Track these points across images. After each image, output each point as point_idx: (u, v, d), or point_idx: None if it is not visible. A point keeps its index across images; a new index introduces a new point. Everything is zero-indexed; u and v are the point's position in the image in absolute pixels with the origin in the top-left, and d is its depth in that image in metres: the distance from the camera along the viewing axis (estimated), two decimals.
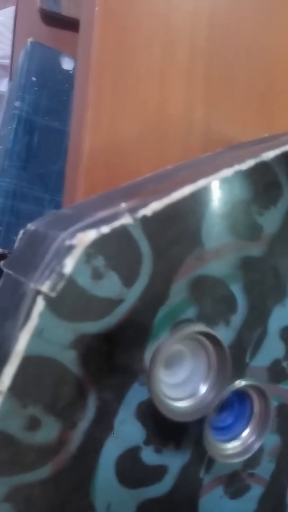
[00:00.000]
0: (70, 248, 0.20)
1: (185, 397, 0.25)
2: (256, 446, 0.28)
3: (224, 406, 0.29)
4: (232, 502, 0.30)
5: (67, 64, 0.53)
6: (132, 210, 0.17)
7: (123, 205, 0.19)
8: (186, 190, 0.19)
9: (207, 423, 0.26)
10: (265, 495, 0.31)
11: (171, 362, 0.26)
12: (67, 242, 0.20)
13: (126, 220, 0.17)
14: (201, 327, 0.24)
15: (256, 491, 0.31)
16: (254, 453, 0.30)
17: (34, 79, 0.51)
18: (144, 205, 0.18)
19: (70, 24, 0.58)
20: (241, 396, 0.29)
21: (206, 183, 0.19)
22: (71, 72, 0.57)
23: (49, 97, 0.52)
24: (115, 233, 0.18)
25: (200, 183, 0.19)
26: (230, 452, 0.28)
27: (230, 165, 0.20)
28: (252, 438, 0.28)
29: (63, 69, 0.53)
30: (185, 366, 0.26)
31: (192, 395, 0.25)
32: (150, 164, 0.34)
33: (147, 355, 0.25)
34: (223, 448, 0.28)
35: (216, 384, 0.25)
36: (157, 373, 0.23)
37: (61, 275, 0.21)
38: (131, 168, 0.33)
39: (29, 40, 0.54)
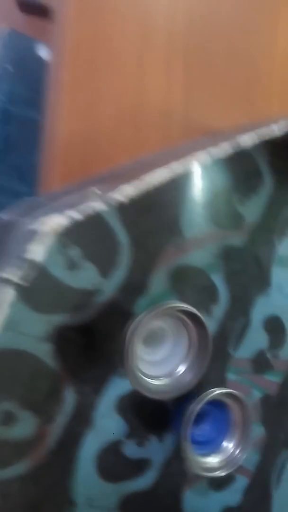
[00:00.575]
0: (33, 233, 0.19)
1: (163, 376, 0.25)
2: (242, 458, 0.27)
3: (202, 418, 0.28)
4: (217, 494, 0.30)
5: (44, 53, 0.52)
6: (101, 195, 0.17)
7: (92, 189, 0.18)
8: (157, 174, 0.18)
9: (187, 438, 0.25)
10: (250, 486, 0.31)
11: (152, 340, 0.25)
12: (30, 227, 0.19)
13: (93, 203, 0.17)
14: (179, 304, 0.24)
15: (241, 482, 0.31)
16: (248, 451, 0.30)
17: (10, 68, 0.50)
18: (113, 188, 0.17)
19: (48, 12, 0.57)
20: (219, 406, 0.28)
21: (179, 166, 0.18)
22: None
23: (26, 86, 0.51)
24: (87, 220, 0.17)
25: (173, 166, 0.18)
26: (212, 465, 0.27)
27: (204, 148, 0.19)
28: (237, 450, 0.27)
29: (40, 58, 0.52)
30: (165, 345, 0.25)
31: (170, 373, 0.25)
32: (128, 152, 0.33)
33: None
34: (204, 462, 0.27)
35: (195, 363, 0.25)
36: (134, 348, 0.22)
37: (31, 263, 0.21)
38: (109, 156, 0.33)
39: (5, 28, 0.53)
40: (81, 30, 0.33)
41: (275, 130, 0.21)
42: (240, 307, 0.29)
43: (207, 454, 0.28)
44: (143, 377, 0.24)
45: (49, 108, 0.34)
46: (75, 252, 0.23)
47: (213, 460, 0.28)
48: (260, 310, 0.30)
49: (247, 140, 0.20)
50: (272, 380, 0.31)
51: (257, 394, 0.31)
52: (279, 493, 0.32)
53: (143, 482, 0.27)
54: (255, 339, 0.30)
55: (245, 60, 0.38)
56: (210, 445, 0.28)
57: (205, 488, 0.29)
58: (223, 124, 0.35)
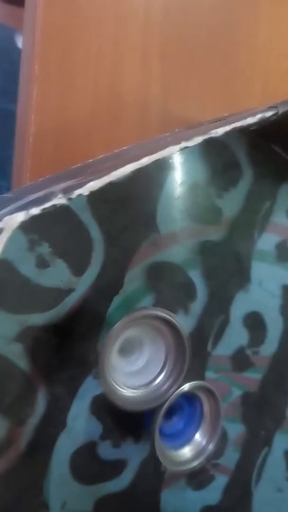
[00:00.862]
0: None
1: (141, 386, 0.24)
2: (210, 448, 0.27)
3: (173, 411, 0.28)
4: (195, 493, 0.30)
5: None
6: (66, 191, 0.16)
7: (59, 186, 0.17)
8: (127, 168, 0.17)
9: (157, 432, 0.25)
10: (229, 485, 0.31)
11: (129, 350, 0.25)
12: None
13: (58, 200, 0.16)
14: (155, 311, 0.23)
15: (220, 481, 0.30)
16: (218, 443, 0.30)
17: None
18: (80, 185, 0.16)
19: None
20: (190, 398, 0.28)
21: (149, 161, 0.17)
22: None
23: (4, 77, 0.49)
24: (54, 216, 0.16)
25: (143, 161, 0.18)
26: (183, 458, 0.27)
27: (176, 142, 0.19)
28: (205, 440, 0.27)
29: (19, 48, 0.50)
30: (143, 354, 0.25)
31: (148, 383, 0.24)
32: (104, 145, 0.32)
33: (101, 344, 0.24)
34: (176, 455, 0.27)
35: (173, 372, 0.24)
36: (108, 359, 0.22)
37: None
38: (83, 150, 0.32)
39: None
40: (53, 17, 0.32)
41: (249, 121, 0.20)
42: (219, 304, 0.29)
43: (179, 447, 0.28)
44: (121, 390, 0.23)
45: (20, 99, 0.32)
46: (44, 249, 0.22)
47: (183, 452, 0.27)
48: (240, 306, 0.30)
49: (219, 131, 0.19)
50: (252, 377, 0.31)
51: (236, 392, 0.30)
52: (260, 490, 0.32)
53: (119, 483, 0.27)
54: (235, 336, 0.30)
55: (225, 50, 0.37)
56: (181, 437, 0.28)
57: (183, 488, 0.29)
58: (202, 116, 0.34)
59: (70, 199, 0.16)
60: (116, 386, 0.23)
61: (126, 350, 0.25)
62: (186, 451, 0.27)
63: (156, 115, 0.34)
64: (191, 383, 0.26)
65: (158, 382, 0.24)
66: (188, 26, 0.36)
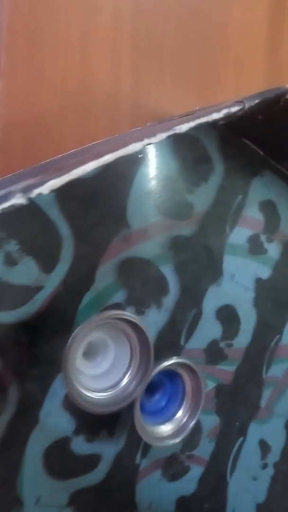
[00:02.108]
0: None
1: (108, 388, 0.24)
2: (190, 425, 0.27)
3: (155, 388, 0.28)
4: (170, 484, 0.30)
5: None
6: (26, 189, 0.16)
7: (20, 184, 0.17)
8: (89, 166, 0.17)
9: (137, 408, 0.25)
10: (205, 475, 0.31)
11: (94, 353, 0.25)
12: None
13: (17, 200, 0.16)
14: (118, 312, 0.23)
15: (195, 471, 0.31)
16: (192, 435, 0.30)
17: None
18: (40, 183, 0.16)
19: None
20: (172, 376, 0.28)
21: (111, 158, 0.17)
22: None
23: None
24: (20, 214, 0.16)
25: (105, 158, 0.17)
26: (164, 434, 0.28)
27: (139, 139, 0.18)
28: (186, 418, 0.28)
29: None
30: (107, 356, 0.25)
31: (115, 385, 0.24)
32: (74, 139, 0.32)
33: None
34: (157, 431, 0.27)
35: (138, 374, 0.24)
36: (72, 363, 0.22)
37: None
38: (53, 144, 0.31)
39: None
40: (19, 7, 0.31)
41: (214, 116, 0.20)
42: (191, 298, 0.29)
43: (160, 424, 0.28)
44: (87, 393, 0.23)
45: None
46: (12, 246, 0.22)
47: (165, 429, 0.28)
48: (212, 299, 0.30)
49: (183, 127, 0.19)
50: (226, 369, 0.31)
51: (211, 384, 0.31)
52: (234, 479, 0.33)
53: (94, 477, 0.27)
54: (208, 329, 0.30)
55: (196, 41, 0.37)
56: (164, 415, 0.28)
57: (158, 480, 0.29)
58: (175, 109, 0.34)
59: (29, 198, 0.16)
60: (82, 390, 0.23)
61: (91, 352, 0.25)
62: (168, 428, 0.28)
63: (127, 108, 0.34)
64: (172, 360, 0.27)
65: (124, 384, 0.24)
66: (158, 17, 0.35)
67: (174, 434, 0.28)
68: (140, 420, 0.26)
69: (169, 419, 0.28)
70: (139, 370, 0.24)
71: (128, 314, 0.23)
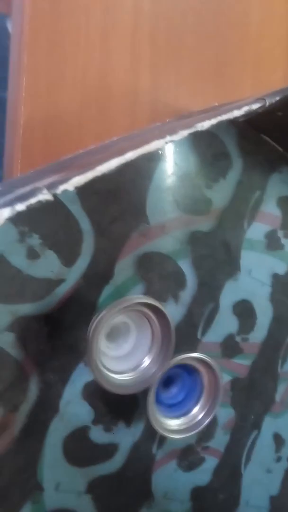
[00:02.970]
0: None
1: (128, 370, 0.25)
2: (205, 422, 0.28)
3: (174, 382, 0.29)
4: (186, 474, 0.31)
5: None
6: (52, 186, 0.16)
7: (45, 180, 0.18)
8: (112, 163, 0.18)
9: (151, 399, 0.26)
10: (219, 467, 0.32)
11: (116, 335, 0.25)
12: None
13: (44, 196, 0.16)
14: (142, 298, 0.24)
15: (210, 463, 0.31)
16: (208, 427, 0.31)
17: None
18: (65, 180, 0.17)
19: None
20: (191, 371, 0.28)
21: (134, 156, 0.18)
22: None
23: None
24: (43, 209, 0.17)
25: (128, 156, 0.18)
26: (178, 428, 0.28)
27: (162, 136, 0.19)
28: (202, 414, 0.28)
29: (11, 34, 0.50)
30: (129, 339, 0.25)
31: (135, 367, 0.25)
32: (94, 135, 0.32)
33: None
34: (172, 424, 0.28)
35: (159, 356, 0.25)
36: (97, 344, 0.22)
37: None
38: (73, 140, 0.32)
39: None
40: (41, 6, 0.31)
41: (235, 114, 0.20)
42: (208, 292, 0.29)
43: (174, 417, 0.28)
44: (108, 374, 0.24)
45: (10, 90, 0.32)
46: (34, 240, 0.23)
47: (177, 422, 0.28)
48: (229, 294, 0.30)
49: (205, 124, 0.19)
50: (242, 363, 0.32)
51: (226, 377, 0.31)
52: (249, 471, 0.33)
53: (111, 465, 0.27)
54: (224, 324, 0.30)
55: (215, 38, 0.37)
56: (180, 409, 0.29)
57: (174, 470, 0.30)
58: (193, 105, 0.34)
59: (55, 194, 0.16)
60: (104, 370, 0.23)
61: (114, 335, 0.25)
62: (183, 422, 0.28)
63: (146, 104, 0.34)
64: (190, 354, 0.27)
65: (145, 366, 0.25)
66: (177, 14, 0.35)
67: (188, 429, 0.28)
68: (153, 410, 0.26)
69: (185, 414, 0.28)
70: (160, 353, 0.25)
71: (151, 298, 0.24)
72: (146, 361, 0.25)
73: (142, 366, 0.25)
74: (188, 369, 0.29)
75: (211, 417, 0.27)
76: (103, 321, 0.22)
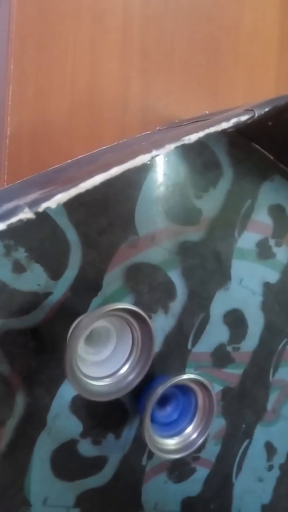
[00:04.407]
0: None
1: (105, 376, 0.24)
2: (198, 443, 0.27)
3: (168, 401, 0.28)
4: (176, 485, 0.30)
5: None
6: (33, 204, 0.16)
7: (29, 197, 0.17)
8: (96, 180, 0.17)
9: (147, 418, 0.25)
10: (210, 476, 0.32)
11: (97, 340, 0.25)
12: None
13: (25, 215, 0.16)
14: (123, 304, 0.23)
15: (201, 473, 0.31)
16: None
17: None
18: (48, 198, 0.16)
19: None
20: (185, 391, 0.28)
21: (118, 171, 0.17)
22: None
23: None
24: (32, 223, 0.16)
25: (113, 171, 0.17)
26: (171, 447, 0.28)
27: (148, 151, 0.18)
28: (195, 434, 0.28)
29: None
30: (109, 345, 0.25)
31: (113, 374, 0.24)
32: (84, 144, 0.32)
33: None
34: (165, 443, 0.27)
35: (138, 363, 0.24)
36: (74, 350, 0.22)
37: None
38: (61, 149, 0.31)
39: None
40: (28, 13, 0.31)
41: (223, 126, 0.20)
42: (199, 302, 0.29)
43: (168, 436, 0.28)
44: (84, 379, 0.23)
45: None
46: (20, 254, 0.22)
47: (171, 442, 0.28)
48: (220, 304, 0.30)
49: (192, 137, 0.19)
50: (233, 372, 0.31)
51: (217, 387, 0.31)
52: (240, 480, 0.33)
53: (100, 478, 0.27)
54: (215, 333, 0.30)
55: (206, 44, 0.36)
56: (174, 428, 0.28)
57: (164, 481, 0.30)
58: (185, 112, 0.34)
59: (37, 212, 0.16)
60: (80, 375, 0.23)
61: (94, 340, 0.25)
62: (176, 441, 0.28)
63: (136, 112, 0.33)
64: (186, 375, 0.27)
65: (123, 373, 0.24)
66: (168, 20, 0.34)
67: (181, 449, 0.28)
68: (149, 430, 0.26)
69: (178, 433, 0.28)
70: (139, 361, 0.24)
71: (131, 305, 0.23)
72: (124, 368, 0.25)
73: (120, 372, 0.24)
74: (182, 389, 0.28)
75: (204, 436, 0.27)
76: (82, 326, 0.22)
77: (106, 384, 0.24)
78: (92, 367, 0.24)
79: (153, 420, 0.26)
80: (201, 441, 0.28)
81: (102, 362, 0.25)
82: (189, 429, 0.28)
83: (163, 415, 0.28)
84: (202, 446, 0.31)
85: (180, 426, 0.28)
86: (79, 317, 0.24)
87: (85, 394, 0.23)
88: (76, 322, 0.22)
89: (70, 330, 0.22)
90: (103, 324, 0.24)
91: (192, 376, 0.27)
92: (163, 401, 0.28)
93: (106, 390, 0.24)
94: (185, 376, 0.27)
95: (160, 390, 0.25)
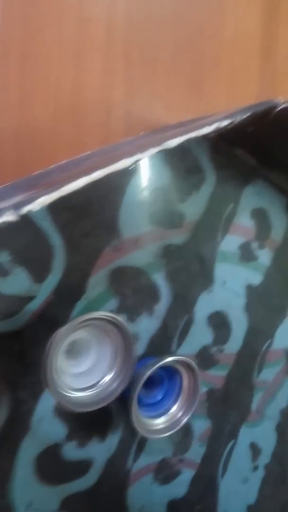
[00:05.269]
0: None
1: (89, 387, 0.25)
2: (183, 421, 0.28)
3: (154, 383, 0.29)
4: (162, 487, 0.30)
5: None
6: (17, 206, 0.16)
7: (12, 200, 0.17)
8: (79, 183, 0.17)
9: (133, 400, 0.25)
10: (195, 478, 0.32)
11: (78, 352, 0.25)
12: None
13: (8, 217, 0.16)
14: (100, 313, 0.24)
15: (186, 475, 0.31)
16: (183, 439, 0.31)
17: None
18: (31, 200, 0.17)
19: None
20: (171, 372, 0.28)
21: (101, 175, 0.18)
22: None
23: None
24: (16, 227, 0.16)
25: (95, 175, 0.18)
26: (158, 427, 0.28)
27: (130, 154, 0.19)
28: (181, 413, 0.28)
29: None
30: (90, 355, 0.25)
31: (97, 384, 0.25)
32: (67, 149, 0.32)
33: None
34: (152, 423, 0.28)
35: (121, 371, 0.24)
36: (53, 361, 0.22)
37: None
38: (46, 155, 0.31)
39: None
40: (10, 19, 0.31)
41: (204, 131, 0.20)
42: (183, 305, 0.29)
43: (155, 417, 0.28)
44: (68, 392, 0.23)
45: None
46: (3, 257, 0.22)
47: (159, 422, 0.28)
48: (204, 306, 0.30)
49: (173, 142, 0.19)
50: (217, 374, 0.32)
51: (202, 389, 0.31)
52: (225, 481, 0.33)
53: (85, 482, 0.27)
54: (199, 336, 0.30)
55: (189, 52, 0.36)
56: (159, 408, 0.29)
57: (149, 483, 0.30)
58: (168, 118, 0.34)
59: (20, 215, 0.16)
60: (62, 388, 0.23)
61: (74, 351, 0.25)
62: (162, 421, 0.28)
63: (120, 118, 0.34)
64: (172, 357, 0.27)
65: (106, 382, 0.25)
66: (151, 27, 0.35)
67: (168, 428, 0.28)
68: (136, 412, 0.26)
69: (164, 413, 0.28)
70: (122, 369, 0.24)
71: (111, 314, 0.23)
72: (107, 378, 0.25)
73: (103, 382, 0.25)
74: (168, 371, 0.29)
75: (189, 415, 0.27)
76: (59, 337, 0.22)
77: (89, 395, 0.24)
78: (73, 379, 0.24)
79: (138, 402, 0.26)
80: (185, 419, 0.28)
81: (84, 373, 0.25)
82: (174, 408, 0.28)
83: (148, 396, 0.29)
84: (187, 448, 0.31)
85: (165, 406, 0.29)
86: (62, 321, 0.25)
87: (71, 406, 0.23)
88: (52, 336, 0.22)
89: (48, 342, 0.22)
90: (83, 335, 0.24)
91: (177, 357, 0.28)
92: (149, 383, 0.28)
93: (91, 400, 0.24)
94: (170, 358, 0.27)
95: (147, 372, 0.26)
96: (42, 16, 0.32)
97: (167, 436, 0.28)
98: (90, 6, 0.33)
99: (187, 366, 0.28)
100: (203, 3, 0.37)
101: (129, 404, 0.25)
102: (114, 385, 0.24)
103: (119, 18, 0.34)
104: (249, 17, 0.38)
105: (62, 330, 0.22)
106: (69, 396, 0.23)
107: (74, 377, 0.24)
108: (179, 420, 0.28)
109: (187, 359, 0.27)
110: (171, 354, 0.28)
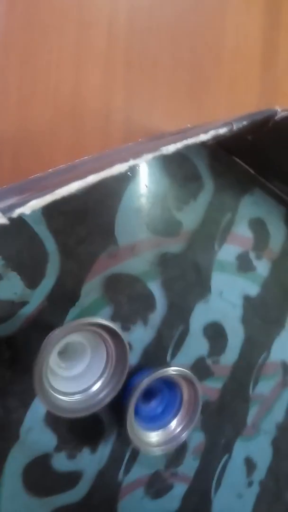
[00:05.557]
0: None
1: (78, 392, 0.24)
2: (182, 436, 0.27)
3: (153, 395, 0.28)
4: (153, 502, 0.30)
5: None
6: (7, 209, 0.16)
7: (4, 202, 0.17)
8: (72, 187, 0.17)
9: (130, 413, 0.25)
10: (188, 493, 0.31)
11: (72, 355, 0.25)
12: None
13: None
14: (95, 319, 0.23)
15: (179, 489, 0.31)
16: (177, 452, 0.30)
17: None
18: (23, 203, 0.16)
19: None
20: (171, 385, 0.28)
21: (94, 180, 0.17)
22: None
23: None
24: (9, 230, 0.16)
25: (89, 179, 0.17)
26: (155, 442, 0.27)
27: (125, 160, 0.18)
28: (179, 428, 0.27)
29: None
30: (83, 360, 0.25)
31: (85, 390, 0.24)
32: (65, 153, 0.32)
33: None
34: (149, 438, 0.27)
35: (112, 379, 0.24)
36: (44, 363, 0.21)
37: None
38: (43, 159, 0.31)
39: None
40: (12, 24, 0.31)
41: (201, 138, 0.20)
42: (178, 314, 0.29)
43: (153, 430, 0.28)
44: (55, 395, 0.23)
45: None
46: None
47: (156, 436, 0.28)
48: (200, 316, 0.30)
49: (170, 148, 0.19)
50: (212, 386, 0.31)
51: None
52: (219, 497, 0.32)
53: (74, 494, 0.26)
54: (195, 346, 0.30)
55: (190, 59, 0.37)
56: (158, 422, 0.28)
57: (141, 497, 0.29)
58: (167, 125, 0.34)
59: (10, 218, 0.16)
60: (50, 390, 0.23)
61: (69, 354, 0.24)
62: (159, 435, 0.28)
63: (119, 124, 0.34)
64: (173, 368, 0.27)
65: (95, 390, 0.24)
66: (152, 34, 0.35)
67: (165, 443, 0.27)
68: (132, 423, 0.25)
69: (162, 427, 0.28)
70: (113, 377, 0.24)
71: (106, 321, 0.23)
72: (97, 385, 0.24)
73: (92, 389, 0.24)
74: (168, 383, 0.28)
75: (188, 430, 0.27)
76: (52, 340, 0.22)
77: (77, 401, 0.23)
78: (64, 382, 0.23)
79: (137, 413, 0.26)
80: (184, 435, 0.28)
81: (75, 377, 0.24)
82: (173, 423, 0.27)
83: (147, 409, 0.28)
84: (180, 461, 0.31)
85: (165, 420, 0.28)
86: (55, 327, 0.24)
87: (56, 410, 0.22)
88: (47, 336, 0.22)
89: (42, 344, 0.22)
90: (77, 339, 0.24)
91: (177, 369, 0.27)
92: (148, 394, 0.27)
93: (78, 406, 0.23)
94: (170, 370, 0.27)
95: (145, 382, 0.25)
96: (43, 21, 0.32)
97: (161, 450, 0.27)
98: (91, 11, 0.33)
99: (187, 379, 0.28)
100: (204, 11, 0.37)
101: (125, 414, 0.25)
102: (104, 393, 0.24)
103: (120, 24, 0.34)
104: (249, 25, 0.39)
105: (57, 332, 0.21)
106: (58, 400, 0.23)
107: (64, 380, 0.24)
108: (177, 435, 0.28)
109: (188, 372, 0.27)
110: (170, 365, 0.27)
